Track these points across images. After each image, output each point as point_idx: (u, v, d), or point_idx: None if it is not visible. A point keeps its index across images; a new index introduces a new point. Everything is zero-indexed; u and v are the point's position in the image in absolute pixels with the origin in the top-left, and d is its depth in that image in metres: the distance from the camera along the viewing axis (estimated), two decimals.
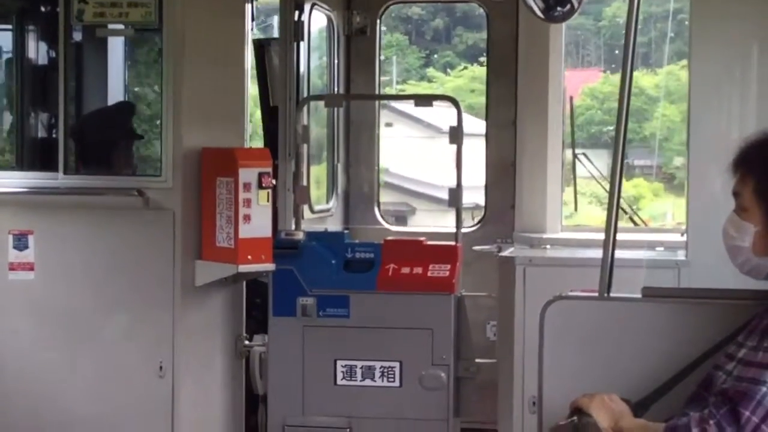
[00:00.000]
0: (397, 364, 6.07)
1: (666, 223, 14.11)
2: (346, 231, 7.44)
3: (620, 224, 4.30)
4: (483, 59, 17.30)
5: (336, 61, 8.11)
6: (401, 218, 12.63)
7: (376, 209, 8.36)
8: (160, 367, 5.95)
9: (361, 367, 6.10)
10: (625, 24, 4.20)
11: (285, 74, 7.02)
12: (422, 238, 6.37)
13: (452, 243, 6.25)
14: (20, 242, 6.08)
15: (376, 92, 8.44)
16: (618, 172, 4.21)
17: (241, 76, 6.34)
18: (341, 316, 6.10)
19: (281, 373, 6.16)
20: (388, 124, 13.64)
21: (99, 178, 6.19)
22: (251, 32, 7.14)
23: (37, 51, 6.86)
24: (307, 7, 7.21)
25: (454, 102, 6.71)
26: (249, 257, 5.77)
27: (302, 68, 7.24)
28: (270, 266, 5.90)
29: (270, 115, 7.40)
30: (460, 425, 6.19)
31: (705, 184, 5.76)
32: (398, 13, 16.16)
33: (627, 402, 3.66)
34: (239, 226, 5.74)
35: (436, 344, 6.03)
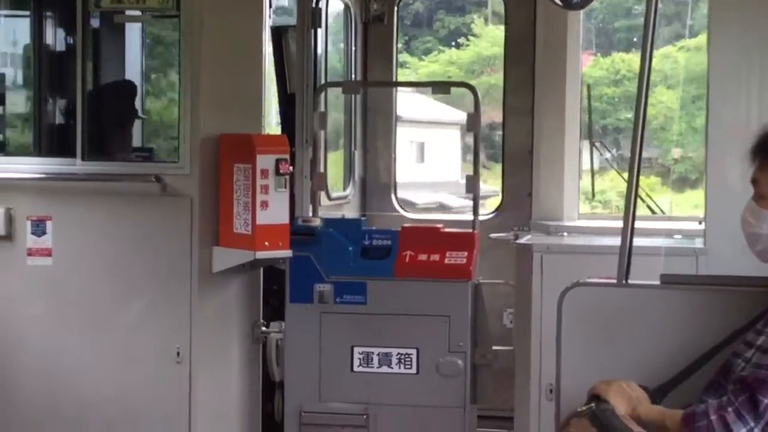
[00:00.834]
0: (414, 351, 6.06)
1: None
2: (363, 218, 7.43)
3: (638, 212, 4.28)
4: (462, 41, 17.09)
5: (353, 48, 8.10)
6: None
7: (393, 196, 8.36)
8: (178, 353, 5.96)
9: (378, 354, 6.09)
10: (644, 17, 4.20)
11: (302, 61, 7.02)
12: (439, 225, 6.35)
13: (469, 230, 6.25)
14: (38, 228, 6.09)
15: (394, 80, 8.43)
16: (636, 160, 4.20)
17: (258, 63, 6.34)
18: (358, 303, 6.10)
19: (298, 359, 6.16)
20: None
21: (117, 164, 6.20)
22: (269, 18, 7.13)
23: (54, 37, 6.86)
24: None
25: (472, 89, 6.70)
26: (266, 244, 5.77)
27: (319, 55, 7.24)
28: (287, 253, 5.90)
29: (287, 101, 7.41)
30: (476, 412, 6.18)
31: (723, 171, 5.74)
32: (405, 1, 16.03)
33: (645, 389, 3.66)
34: (256, 213, 5.74)
35: (453, 331, 6.02)
